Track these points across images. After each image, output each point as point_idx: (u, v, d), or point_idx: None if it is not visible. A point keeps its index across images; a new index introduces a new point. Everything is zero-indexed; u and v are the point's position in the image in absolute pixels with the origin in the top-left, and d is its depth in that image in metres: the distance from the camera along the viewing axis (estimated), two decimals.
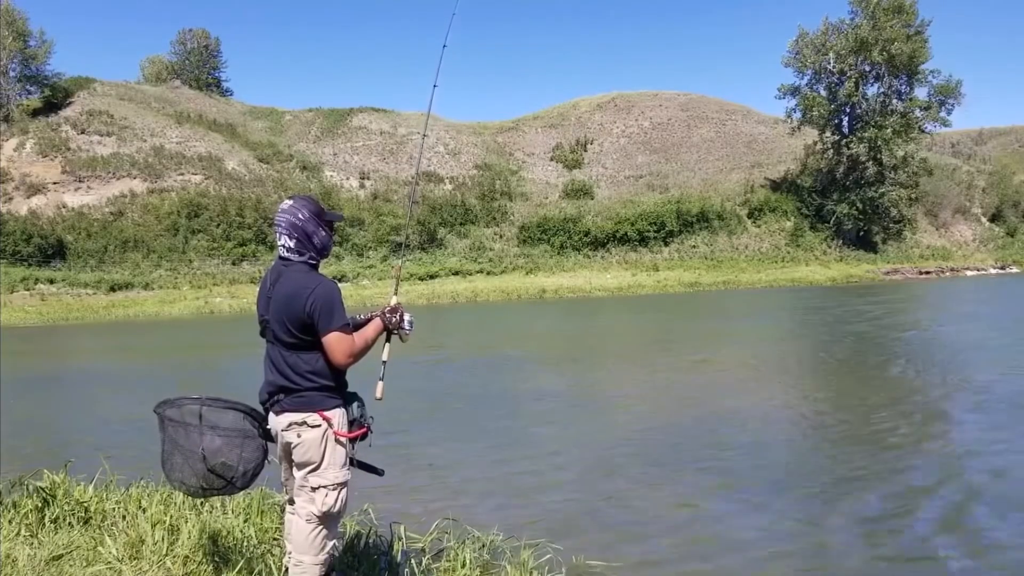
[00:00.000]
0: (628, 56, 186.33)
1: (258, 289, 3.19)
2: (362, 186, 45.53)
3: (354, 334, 3.03)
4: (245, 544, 3.89)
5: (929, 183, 47.22)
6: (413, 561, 3.87)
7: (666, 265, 39.78)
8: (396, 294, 3.36)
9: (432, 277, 36.25)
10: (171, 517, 4.13)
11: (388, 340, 3.27)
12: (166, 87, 54.76)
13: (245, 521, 4.23)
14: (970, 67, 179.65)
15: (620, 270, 39.13)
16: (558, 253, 41.31)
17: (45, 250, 34.81)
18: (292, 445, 3.01)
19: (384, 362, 3.27)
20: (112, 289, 32.92)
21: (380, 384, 3.26)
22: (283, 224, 3.04)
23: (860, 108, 44.81)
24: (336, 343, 2.95)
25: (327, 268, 33.18)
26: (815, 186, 45.94)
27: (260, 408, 3.15)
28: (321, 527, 3.03)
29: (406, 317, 3.23)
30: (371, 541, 4.21)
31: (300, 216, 3.05)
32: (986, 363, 11.47)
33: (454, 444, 7.41)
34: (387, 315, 3.18)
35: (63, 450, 7.14)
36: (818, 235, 43.68)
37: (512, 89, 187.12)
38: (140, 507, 4.37)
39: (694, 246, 42.36)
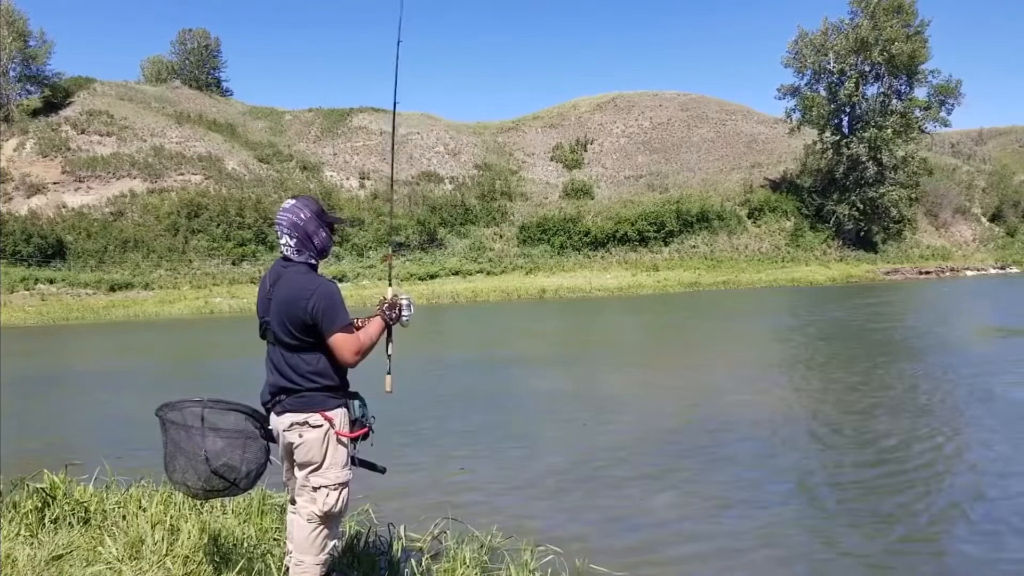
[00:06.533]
0: (628, 56, 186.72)
1: (258, 290, 3.21)
2: (362, 186, 45.51)
3: (358, 332, 3.07)
4: (245, 544, 3.90)
5: (929, 183, 47.22)
6: (413, 561, 3.88)
7: (666, 265, 39.75)
8: (391, 285, 3.38)
9: (432, 277, 36.25)
10: (171, 517, 4.13)
11: (390, 337, 3.32)
12: (166, 87, 54.75)
13: (245, 521, 4.24)
14: (970, 67, 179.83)
15: (620, 270, 39.10)
16: (558, 253, 41.29)
17: (45, 250, 34.79)
18: (294, 445, 3.02)
19: (389, 356, 3.35)
20: (112, 289, 32.92)
21: (388, 378, 3.34)
22: (284, 223, 3.07)
23: (860, 108, 44.77)
24: (343, 342, 2.98)
25: (327, 268, 33.17)
26: (815, 186, 45.91)
27: (261, 409, 3.16)
28: (322, 527, 3.04)
29: (403, 303, 3.25)
30: (371, 541, 4.21)
31: (302, 216, 3.07)
32: (986, 362, 11.46)
33: (455, 444, 7.40)
34: (385, 312, 3.21)
35: (63, 450, 7.14)
36: (818, 235, 43.65)
37: (512, 89, 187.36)
38: (140, 507, 4.37)
39: (694, 246, 42.34)
